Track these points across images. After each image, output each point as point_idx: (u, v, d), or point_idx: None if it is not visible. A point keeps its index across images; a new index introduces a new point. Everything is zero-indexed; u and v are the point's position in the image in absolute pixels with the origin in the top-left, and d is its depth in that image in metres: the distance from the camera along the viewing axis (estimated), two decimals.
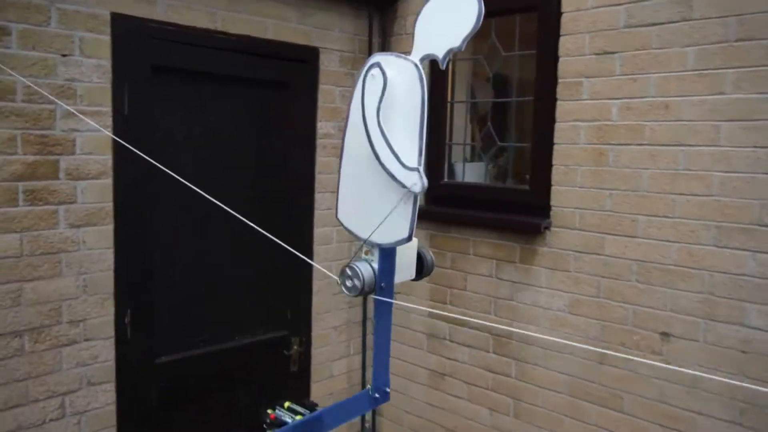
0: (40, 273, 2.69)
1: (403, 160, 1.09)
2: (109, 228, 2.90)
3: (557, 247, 3.26)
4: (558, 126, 3.22)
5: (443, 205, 3.84)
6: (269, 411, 1.32)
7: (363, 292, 1.18)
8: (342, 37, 3.85)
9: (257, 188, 3.55)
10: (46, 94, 2.58)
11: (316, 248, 3.88)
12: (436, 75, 3.81)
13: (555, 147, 3.23)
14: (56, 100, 2.63)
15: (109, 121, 2.86)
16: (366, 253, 1.21)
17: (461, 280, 3.74)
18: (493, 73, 3.64)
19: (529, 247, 3.38)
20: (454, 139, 3.92)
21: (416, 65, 1.13)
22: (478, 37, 3.86)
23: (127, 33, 2.89)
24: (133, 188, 2.97)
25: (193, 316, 3.32)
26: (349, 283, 1.20)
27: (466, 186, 3.77)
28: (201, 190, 1.73)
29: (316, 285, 3.90)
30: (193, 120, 3.22)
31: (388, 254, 1.20)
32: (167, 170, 1.98)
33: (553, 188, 3.26)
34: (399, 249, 1.21)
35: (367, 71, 1.16)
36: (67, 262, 2.77)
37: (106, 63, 2.84)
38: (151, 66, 3.00)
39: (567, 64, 3.16)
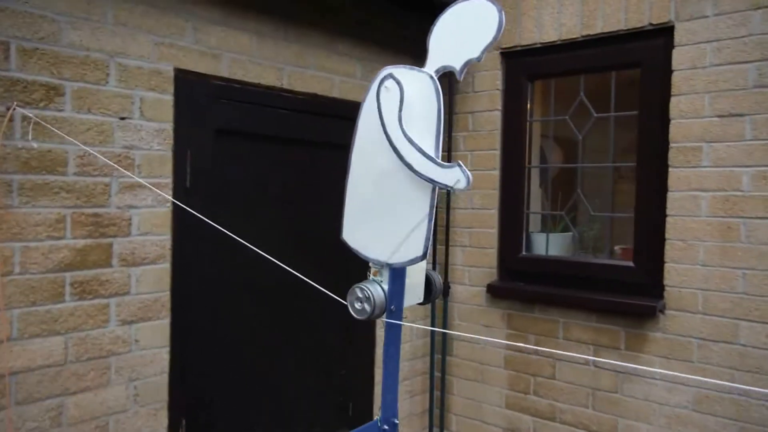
0: (86, 383, 2.18)
1: (437, 161, 1.04)
2: (164, 323, 2.41)
3: (675, 333, 2.84)
4: (671, 195, 2.86)
5: (523, 281, 3.42)
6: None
7: (373, 316, 1.14)
8: None
9: (321, 266, 3.09)
10: (107, 161, 2.13)
11: (379, 332, 3.41)
12: (513, 136, 3.45)
13: (668, 219, 2.86)
14: (120, 169, 2.18)
15: (170, 193, 2.41)
16: (374, 274, 1.15)
17: (548, 368, 3.28)
18: (582, 135, 3.29)
19: (637, 332, 2.96)
20: (531, 207, 3.53)
21: (431, 76, 1.10)
22: (563, 96, 3.60)
23: (191, 92, 2.48)
24: (191, 274, 2.49)
25: (253, 422, 2.79)
26: (358, 306, 1.15)
27: (550, 260, 3.36)
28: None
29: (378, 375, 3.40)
30: (253, 187, 2.79)
31: (398, 275, 1.15)
32: (247, 244, 1.55)
33: (666, 265, 2.86)
34: (408, 271, 1.15)
35: (380, 84, 1.11)
36: (117, 367, 2.26)
37: (168, 126, 2.41)
38: (215, 129, 2.58)
39: (681, 127, 2.82)
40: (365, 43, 3.23)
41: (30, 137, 1.98)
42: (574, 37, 3.20)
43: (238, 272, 2.70)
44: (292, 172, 2.95)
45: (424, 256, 1.08)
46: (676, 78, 2.84)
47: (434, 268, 3.72)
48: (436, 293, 1.26)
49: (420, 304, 1.24)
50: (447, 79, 3.63)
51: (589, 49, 3.18)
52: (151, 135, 2.35)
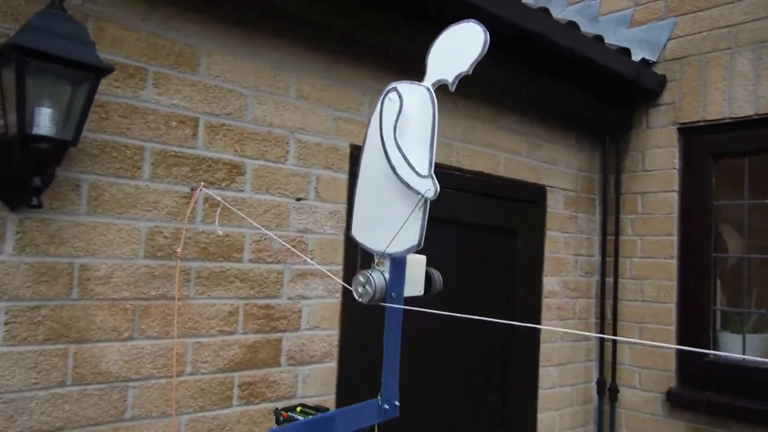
0: None
1: (417, 169, 1.16)
2: None
3: None
4: None
5: (712, 391, 2.90)
6: (282, 410, 1.23)
7: (374, 300, 1.21)
8: (567, 174, 3.17)
9: (477, 358, 2.74)
10: (286, 244, 1.91)
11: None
12: (694, 220, 3.02)
13: None
14: (297, 252, 1.95)
15: (338, 284, 2.15)
16: (378, 265, 1.24)
17: None
18: None
19: None
20: (719, 303, 3.05)
21: (428, 89, 1.21)
22: (760, 177, 3.17)
23: None
24: (358, 372, 2.20)
25: None
26: (360, 289, 1.22)
27: (750, 368, 2.84)
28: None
29: None
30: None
31: (398, 265, 1.24)
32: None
33: None
34: (409, 264, 1.25)
35: (385, 95, 1.21)
36: None
37: (341, 208, 2.18)
38: None
39: None
40: (529, 117, 2.95)
41: (217, 222, 1.79)
42: None
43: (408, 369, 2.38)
44: (455, 255, 2.66)
45: (419, 244, 1.17)
46: None
47: (600, 366, 3.26)
48: (435, 287, 1.34)
49: (421, 296, 1.32)
50: (615, 155, 3.29)
51: None
52: (325, 217, 2.13)
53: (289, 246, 1.95)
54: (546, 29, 2.48)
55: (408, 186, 1.16)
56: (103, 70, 1.44)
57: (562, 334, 3.10)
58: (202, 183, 1.79)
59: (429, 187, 1.15)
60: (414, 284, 1.30)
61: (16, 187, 1.47)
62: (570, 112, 3.06)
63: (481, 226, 2.78)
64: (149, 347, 1.71)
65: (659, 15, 3.24)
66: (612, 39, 3.19)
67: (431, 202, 1.19)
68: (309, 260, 2.03)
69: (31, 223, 1.52)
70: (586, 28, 3.14)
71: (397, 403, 1.30)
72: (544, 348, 3.00)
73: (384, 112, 1.21)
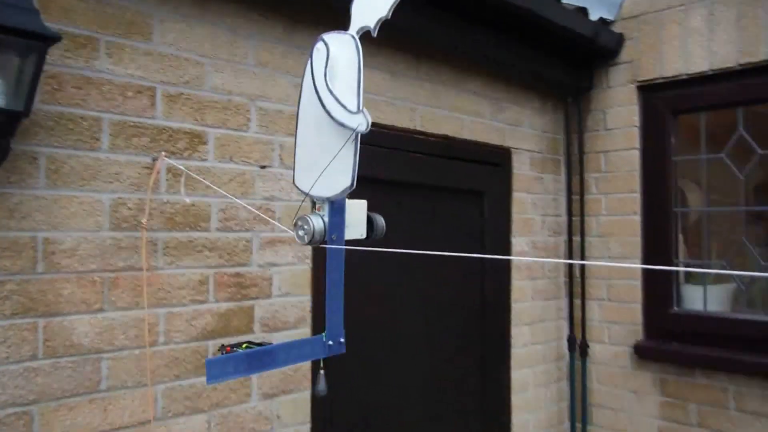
0: None
1: (348, 107, 1.21)
2: (305, 395, 2.14)
3: None
4: None
5: (678, 341, 3.00)
6: (227, 346, 1.25)
7: (314, 241, 1.26)
8: (531, 135, 3.21)
9: (440, 323, 2.79)
10: (257, 212, 1.91)
11: (514, 398, 3.04)
12: (655, 177, 3.10)
13: None
14: (271, 221, 1.96)
15: (309, 249, 2.17)
16: (318, 209, 1.29)
17: None
18: (744, 175, 2.91)
19: None
20: (682, 256, 3.14)
21: (353, 36, 1.25)
22: (718, 131, 3.25)
23: None
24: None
25: None
26: (300, 232, 1.27)
27: (714, 318, 2.94)
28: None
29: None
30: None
31: (336, 208, 1.28)
32: None
33: None
34: (349, 208, 1.31)
35: (313, 47, 1.27)
36: None
37: None
38: None
39: None
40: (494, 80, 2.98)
41: (182, 191, 1.79)
42: (729, 66, 2.86)
43: (380, 332, 2.42)
44: (421, 219, 2.69)
45: (352, 185, 1.22)
46: None
47: (570, 324, 3.34)
48: (378, 231, 1.38)
49: (364, 239, 1.37)
50: (577, 115, 3.34)
51: (750, 79, 2.83)
52: (291, 185, 2.12)
53: (257, 211, 1.95)
54: None
55: (342, 125, 1.21)
56: (49, 39, 1.42)
57: (533, 294, 3.17)
58: (163, 153, 1.78)
59: (361, 122, 1.20)
60: (355, 227, 1.36)
61: None
62: (532, 74, 3.09)
63: (448, 190, 2.81)
64: (120, 318, 1.71)
65: None
66: None
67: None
68: (280, 226, 2.03)
69: None
70: None
71: (343, 340, 1.35)
72: (515, 307, 3.07)
73: (314, 62, 1.26)
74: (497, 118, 3.02)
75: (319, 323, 2.18)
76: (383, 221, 1.41)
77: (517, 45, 2.84)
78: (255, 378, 1.99)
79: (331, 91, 1.24)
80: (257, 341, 1.29)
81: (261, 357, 1.23)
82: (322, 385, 1.40)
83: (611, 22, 3.22)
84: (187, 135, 1.87)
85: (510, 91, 3.08)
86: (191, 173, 1.82)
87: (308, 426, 2.14)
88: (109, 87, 1.71)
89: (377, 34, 1.25)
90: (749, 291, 3.05)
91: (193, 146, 1.89)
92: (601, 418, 3.24)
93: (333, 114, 1.22)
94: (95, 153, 1.68)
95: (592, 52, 3.15)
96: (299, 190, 1.32)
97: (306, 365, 2.13)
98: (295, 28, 2.16)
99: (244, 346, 1.26)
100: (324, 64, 1.24)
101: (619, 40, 3.19)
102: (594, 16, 3.12)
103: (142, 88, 1.77)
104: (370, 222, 1.40)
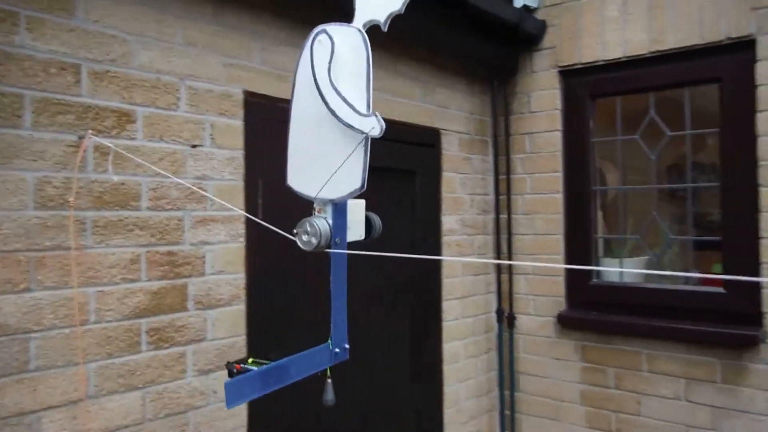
0: None
1: (358, 109, 1.13)
2: None
3: None
4: (764, 216, 2.68)
5: (597, 311, 3.21)
6: (235, 363, 1.25)
7: (320, 247, 1.19)
8: (459, 117, 3.33)
9: (383, 299, 2.88)
10: (190, 186, 1.92)
11: (446, 369, 3.17)
12: (576, 157, 3.28)
13: (762, 241, 2.68)
14: (210, 197, 1.97)
15: (242, 228, 2.20)
16: (319, 212, 1.22)
17: (632, 403, 3.05)
18: (655, 155, 3.12)
19: (735, 364, 2.75)
20: (602, 232, 3.34)
21: (359, 30, 1.18)
22: (630, 115, 3.44)
23: (261, 116, 2.29)
24: (266, 315, 2.27)
25: None
26: (305, 238, 1.20)
27: (628, 288, 3.16)
28: None
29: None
30: None
31: (340, 210, 1.23)
32: None
33: (765, 291, 2.67)
34: (349, 209, 1.24)
35: (314, 38, 1.18)
36: (195, 423, 2.02)
37: (239, 154, 2.21)
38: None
39: None
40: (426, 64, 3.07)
41: (110, 169, 1.78)
42: (641, 53, 3.06)
43: (314, 310, 2.48)
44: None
45: (363, 186, 1.16)
46: (762, 93, 2.69)
47: (498, 297, 3.50)
48: (375, 231, 1.35)
49: (362, 240, 1.32)
50: (503, 98, 3.48)
51: (660, 66, 3.03)
52: (222, 164, 2.15)
53: (191, 186, 1.96)
54: None
55: (350, 126, 1.14)
56: None
57: (463, 270, 3.31)
58: (90, 131, 1.76)
59: (374, 125, 1.13)
60: (355, 228, 1.30)
61: None
62: (461, 58, 3.20)
63: (381, 170, 2.88)
64: (48, 298, 1.69)
65: None
66: None
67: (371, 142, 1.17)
68: (221, 201, 2.05)
69: None
70: None
71: (347, 346, 1.32)
72: (446, 283, 3.19)
73: (315, 56, 1.17)
74: (427, 100, 3.11)
75: (254, 300, 2.22)
76: (380, 221, 1.37)
77: (446, 30, 2.93)
78: (190, 354, 2.01)
79: (336, 89, 1.15)
80: (262, 358, 1.29)
81: (275, 374, 1.22)
82: (330, 394, 1.35)
83: (534, 9, 3.36)
84: (115, 113, 1.86)
85: (439, 75, 3.17)
86: (120, 151, 1.81)
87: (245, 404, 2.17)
88: (30, 63, 1.67)
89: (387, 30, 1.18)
90: (660, 261, 3.29)
91: (121, 125, 1.87)
92: (527, 384, 3.42)
93: (339, 115, 1.15)
94: (17, 131, 1.65)
95: (516, 38, 3.28)
96: (294, 191, 1.25)
97: (241, 341, 2.17)
98: (224, 7, 2.16)
99: (250, 361, 1.26)
100: (328, 59, 1.16)
101: (542, 26, 3.34)
102: (518, 4, 3.25)
103: (66, 65, 1.75)
104: (368, 222, 1.35)
